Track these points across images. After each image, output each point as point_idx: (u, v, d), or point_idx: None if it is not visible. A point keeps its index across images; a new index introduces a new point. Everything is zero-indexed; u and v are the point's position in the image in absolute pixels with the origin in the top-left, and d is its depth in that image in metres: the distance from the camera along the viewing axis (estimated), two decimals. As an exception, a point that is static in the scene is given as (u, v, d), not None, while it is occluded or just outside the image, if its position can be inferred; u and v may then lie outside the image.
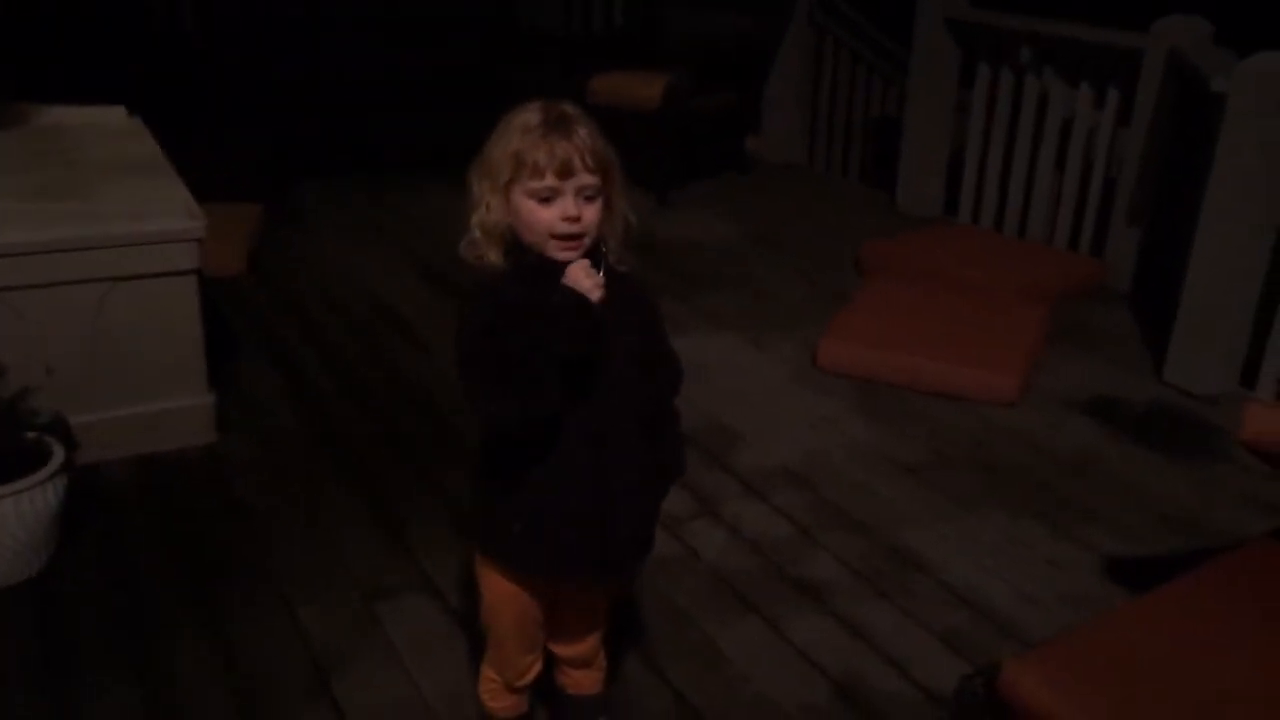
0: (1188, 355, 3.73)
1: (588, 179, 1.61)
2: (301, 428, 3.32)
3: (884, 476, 3.16)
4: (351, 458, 3.17)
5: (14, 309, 2.78)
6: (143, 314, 2.95)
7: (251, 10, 5.92)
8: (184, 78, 5.35)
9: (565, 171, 1.59)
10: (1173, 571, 2.12)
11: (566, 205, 1.60)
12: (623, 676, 2.28)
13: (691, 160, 5.80)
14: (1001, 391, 3.58)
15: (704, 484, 3.04)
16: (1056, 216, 4.92)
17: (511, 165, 1.60)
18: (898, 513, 2.98)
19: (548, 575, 1.79)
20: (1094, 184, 4.75)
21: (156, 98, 4.17)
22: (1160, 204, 4.43)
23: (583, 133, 1.61)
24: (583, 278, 1.57)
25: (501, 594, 1.82)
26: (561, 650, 1.98)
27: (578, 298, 1.56)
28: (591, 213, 1.62)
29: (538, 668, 1.95)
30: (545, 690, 2.05)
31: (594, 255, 1.64)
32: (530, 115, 1.62)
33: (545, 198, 1.60)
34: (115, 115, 3.79)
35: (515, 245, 1.65)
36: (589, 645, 1.98)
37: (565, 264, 1.61)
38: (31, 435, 2.60)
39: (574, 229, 1.61)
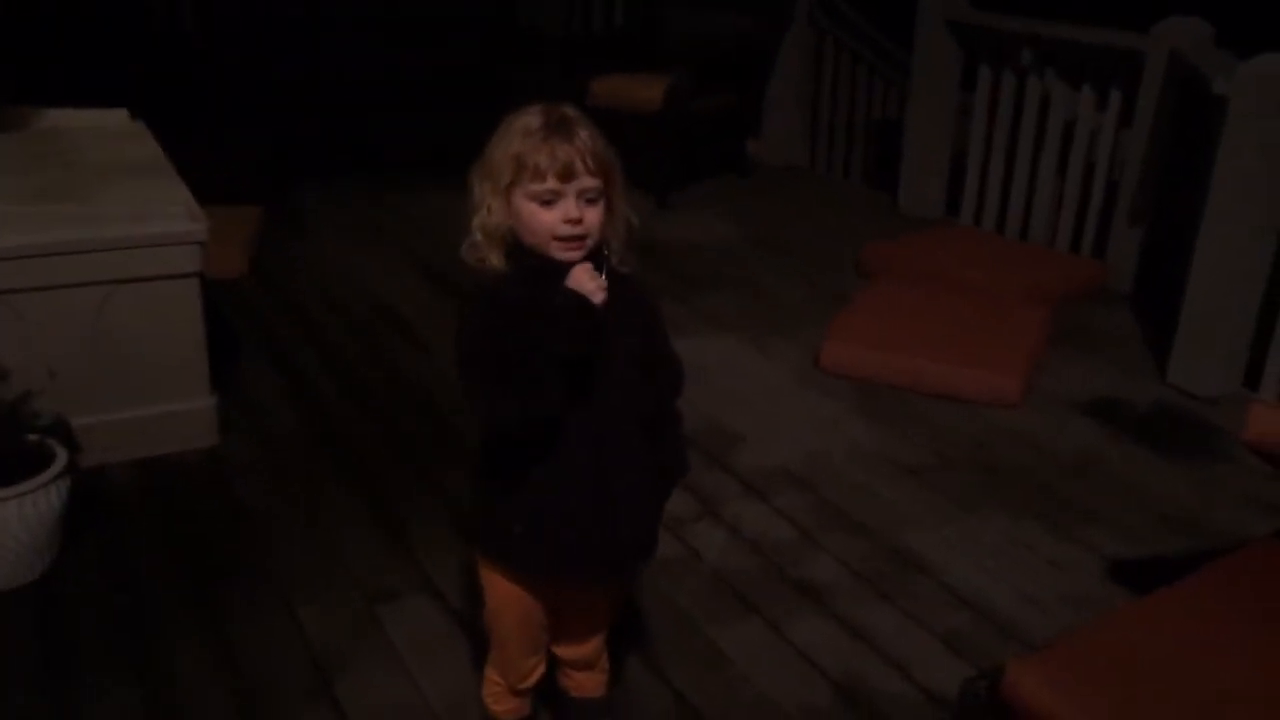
0: (1190, 356, 3.73)
1: (589, 181, 1.61)
2: (303, 429, 3.32)
3: (885, 478, 3.16)
4: (353, 459, 3.17)
5: (16, 311, 2.78)
6: (145, 317, 2.95)
7: (251, 11, 5.93)
8: (184, 78, 5.36)
9: (567, 174, 1.59)
10: (1174, 572, 2.12)
11: (568, 208, 1.60)
12: (624, 678, 2.27)
13: (692, 162, 5.80)
14: (1003, 393, 3.57)
15: (705, 485, 3.04)
16: (1058, 218, 4.91)
17: (513, 168, 1.61)
18: (899, 514, 2.98)
19: (548, 576, 1.79)
20: (1096, 186, 4.74)
21: (157, 99, 4.18)
22: (1162, 206, 4.43)
23: (584, 135, 1.61)
24: (586, 280, 1.57)
25: (504, 596, 1.82)
26: (564, 652, 1.98)
27: (580, 299, 1.56)
28: (593, 215, 1.62)
29: (541, 670, 1.95)
30: (548, 693, 2.05)
31: (596, 257, 1.65)
32: (531, 118, 1.62)
33: (547, 200, 1.60)
34: (117, 118, 3.80)
35: (516, 248, 1.65)
36: (592, 647, 1.98)
37: (567, 265, 1.61)
38: (33, 438, 2.60)
39: (576, 231, 1.61)
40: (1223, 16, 4.28)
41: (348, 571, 2.65)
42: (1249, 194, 3.53)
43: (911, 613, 2.58)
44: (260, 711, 2.21)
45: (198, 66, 5.55)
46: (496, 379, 1.57)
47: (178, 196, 3.07)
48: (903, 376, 3.67)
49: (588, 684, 2.03)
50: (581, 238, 1.62)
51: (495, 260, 1.65)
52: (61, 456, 2.57)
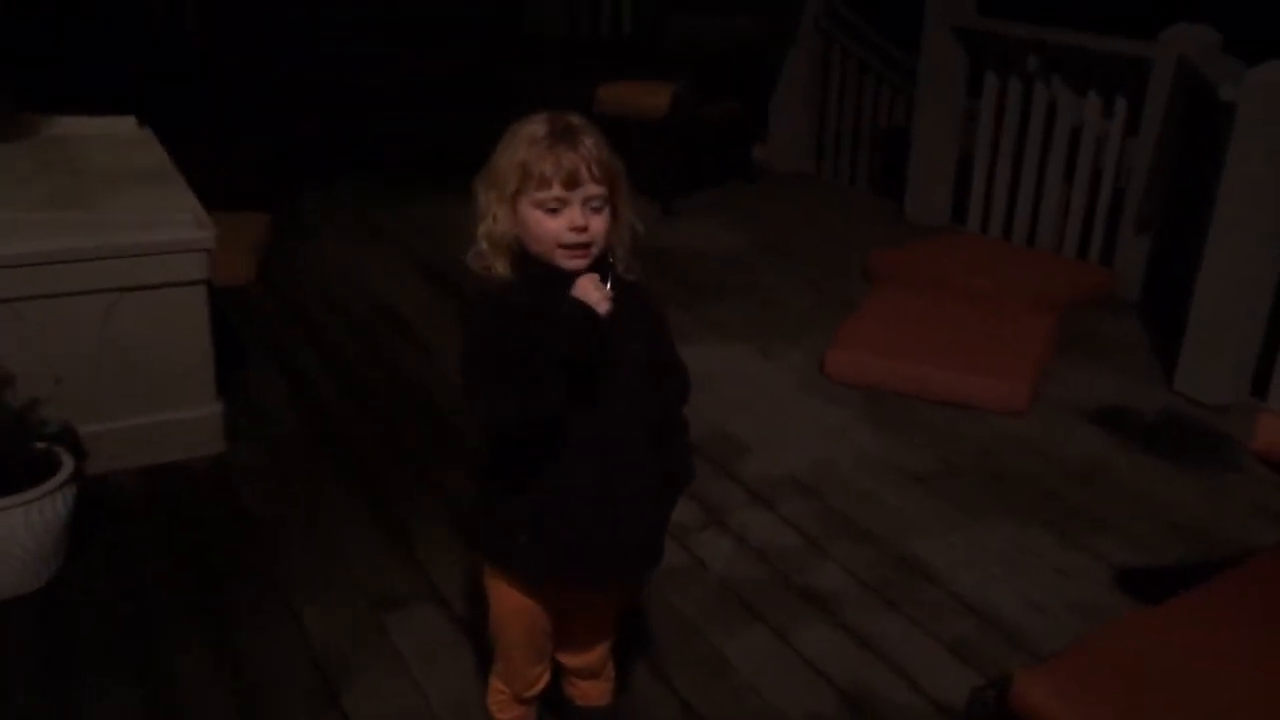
0: (1198, 364, 3.72)
1: (594, 189, 1.61)
2: (308, 435, 3.32)
3: (892, 486, 3.15)
4: (358, 465, 3.17)
5: (23, 319, 2.79)
6: (151, 324, 2.96)
7: (253, 13, 5.95)
8: (187, 82, 5.38)
9: (572, 182, 1.59)
10: (1182, 581, 2.11)
11: (573, 215, 1.60)
12: (630, 686, 2.27)
13: (698, 169, 5.81)
14: (1010, 400, 3.57)
15: (711, 493, 3.04)
16: (1065, 225, 4.91)
17: (518, 176, 1.61)
18: (906, 522, 2.97)
19: (554, 583, 1.79)
20: (1103, 193, 4.74)
21: (160, 102, 4.19)
22: (1169, 213, 4.42)
23: (589, 143, 1.61)
24: (591, 290, 1.58)
25: (510, 605, 1.82)
26: (570, 661, 1.97)
27: (585, 309, 1.56)
28: (598, 223, 1.62)
29: (546, 678, 1.95)
30: (553, 701, 2.04)
31: (601, 265, 1.65)
32: (536, 126, 1.63)
33: (552, 208, 1.60)
34: (125, 125, 3.81)
35: (522, 256, 1.65)
36: (597, 656, 1.97)
37: (572, 273, 1.61)
38: (40, 445, 2.61)
39: (581, 239, 1.61)
40: (1230, 23, 4.28)
41: (353, 578, 2.65)
42: (1257, 201, 3.52)
43: (918, 621, 2.57)
44: (264, 717, 2.21)
45: (200, 69, 5.57)
46: (497, 379, 1.57)
47: (185, 204, 3.08)
48: (909, 384, 3.66)
49: (593, 692, 2.03)
50: (587, 245, 1.62)
51: (501, 268, 1.65)
52: (68, 464, 2.57)
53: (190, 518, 2.88)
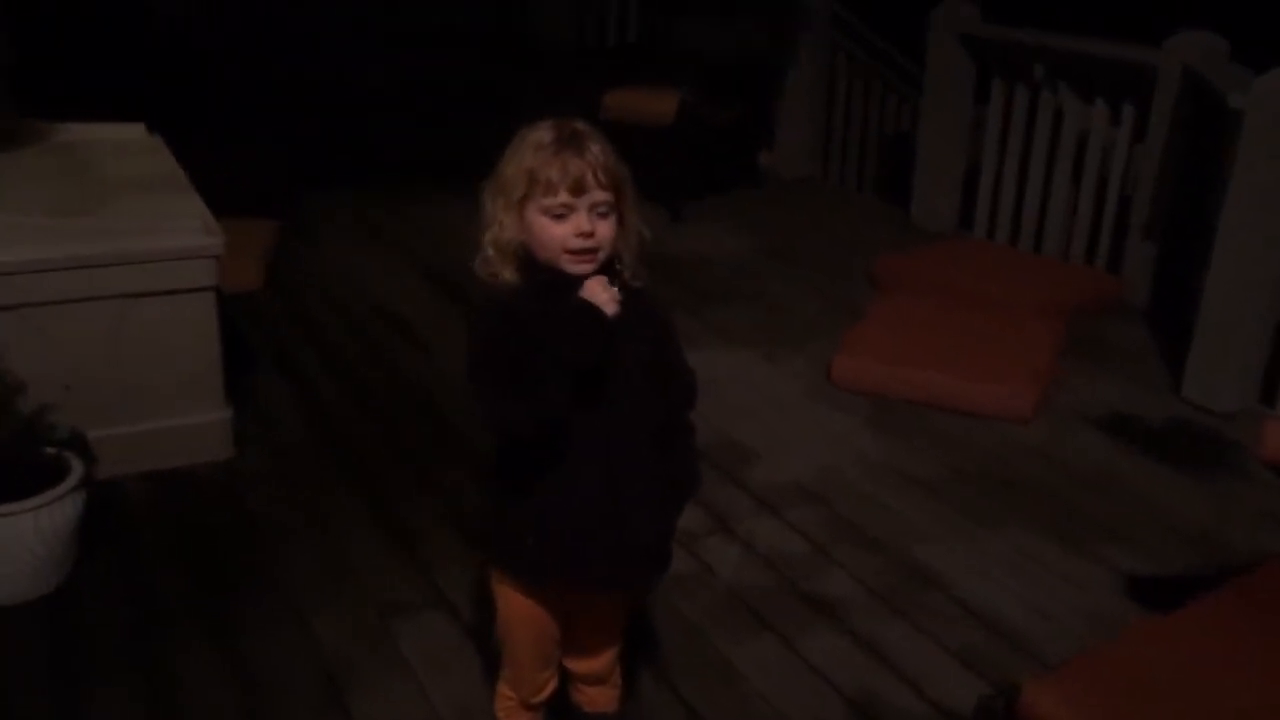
0: (1205, 371, 3.71)
1: (601, 195, 1.61)
2: (316, 442, 3.33)
3: (898, 492, 3.15)
4: (366, 472, 3.17)
5: (33, 325, 2.80)
6: (161, 330, 2.97)
7: (261, 21, 5.97)
8: (196, 90, 5.40)
9: (578, 188, 1.60)
10: (1190, 589, 2.11)
11: (580, 221, 1.61)
12: (637, 693, 2.27)
13: (705, 175, 5.81)
14: (1017, 407, 3.56)
15: (718, 500, 3.04)
16: (1072, 232, 4.90)
17: (525, 183, 1.62)
18: (912, 529, 2.97)
19: (560, 586, 1.79)
20: (1110, 199, 4.73)
21: (169, 110, 4.21)
22: (1176, 219, 4.41)
23: (595, 149, 1.62)
24: (599, 290, 1.59)
25: (516, 609, 1.83)
26: (577, 666, 1.97)
27: (592, 309, 1.57)
28: (605, 228, 1.63)
29: (553, 684, 1.95)
30: (560, 708, 2.04)
31: (608, 271, 1.65)
32: (543, 133, 1.63)
33: (559, 214, 1.61)
34: (134, 132, 3.82)
35: (529, 262, 1.65)
36: (604, 661, 1.97)
37: (579, 278, 1.62)
38: (50, 451, 2.62)
39: (587, 244, 1.62)
40: (1236, 30, 4.28)
41: (360, 583, 2.65)
42: (1264, 207, 3.52)
43: (925, 628, 2.57)
44: (273, 725, 2.22)
45: (209, 76, 5.59)
46: (503, 382, 1.58)
47: (193, 210, 3.09)
48: (916, 390, 3.66)
49: (600, 699, 2.02)
50: (593, 251, 1.63)
51: (508, 274, 1.66)
52: (77, 469, 2.58)
53: (198, 523, 2.88)
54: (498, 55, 6.35)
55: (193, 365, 3.05)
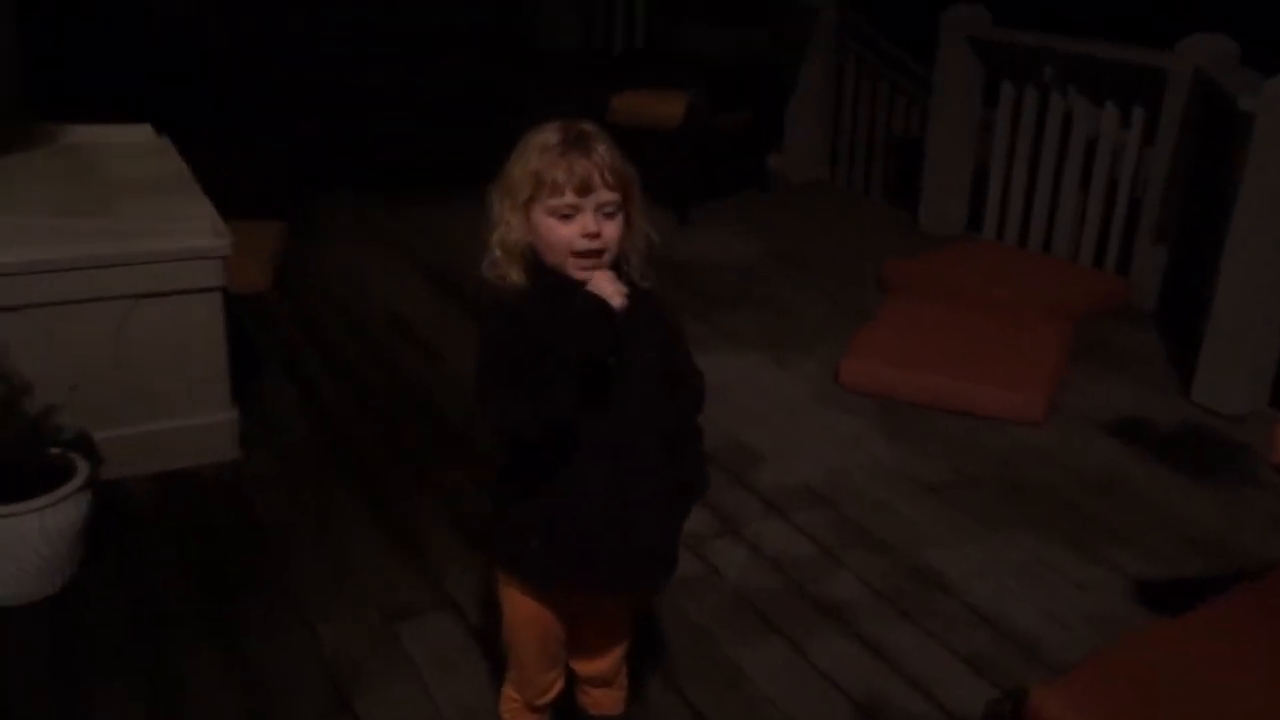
0: (1215, 374, 3.69)
1: (607, 196, 1.61)
2: (322, 445, 3.33)
3: (906, 496, 3.14)
4: (371, 474, 3.17)
5: (40, 325, 2.80)
6: (168, 331, 2.97)
7: (270, 25, 5.98)
8: (203, 91, 5.41)
9: (584, 189, 1.59)
10: (1199, 594, 2.09)
11: (586, 222, 1.60)
12: (643, 696, 2.26)
13: (712, 178, 5.81)
14: (1026, 411, 3.55)
15: (725, 503, 3.03)
16: (1081, 235, 4.89)
17: (531, 183, 1.61)
18: (920, 532, 2.96)
19: (564, 588, 1.78)
20: (1119, 202, 4.72)
21: (177, 112, 4.21)
22: (1186, 222, 4.40)
23: (601, 150, 1.62)
24: (605, 284, 1.58)
25: (522, 611, 1.82)
26: (583, 668, 1.97)
27: (599, 303, 1.56)
28: (611, 229, 1.63)
29: (559, 686, 1.94)
30: (566, 711, 2.03)
31: (615, 272, 1.65)
32: (549, 134, 1.63)
33: (565, 215, 1.61)
34: (142, 133, 3.83)
35: (536, 265, 1.65)
36: (610, 664, 1.97)
37: (585, 283, 1.61)
38: (55, 451, 2.62)
39: (594, 245, 1.61)
40: (1247, 33, 4.26)
41: (364, 586, 2.65)
42: (1275, 210, 3.50)
43: (933, 632, 2.56)
44: (278, 726, 2.21)
45: (216, 78, 5.60)
46: (509, 382, 1.58)
47: (201, 212, 3.09)
48: (924, 393, 3.65)
49: (606, 701, 2.02)
50: (599, 253, 1.62)
51: (515, 276, 1.66)
52: (83, 470, 2.58)
53: (203, 525, 2.88)
54: (503, 57, 6.35)
55: (199, 366, 3.05)
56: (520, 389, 1.57)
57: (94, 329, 2.89)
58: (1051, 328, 4.03)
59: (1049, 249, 5.02)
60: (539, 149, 1.62)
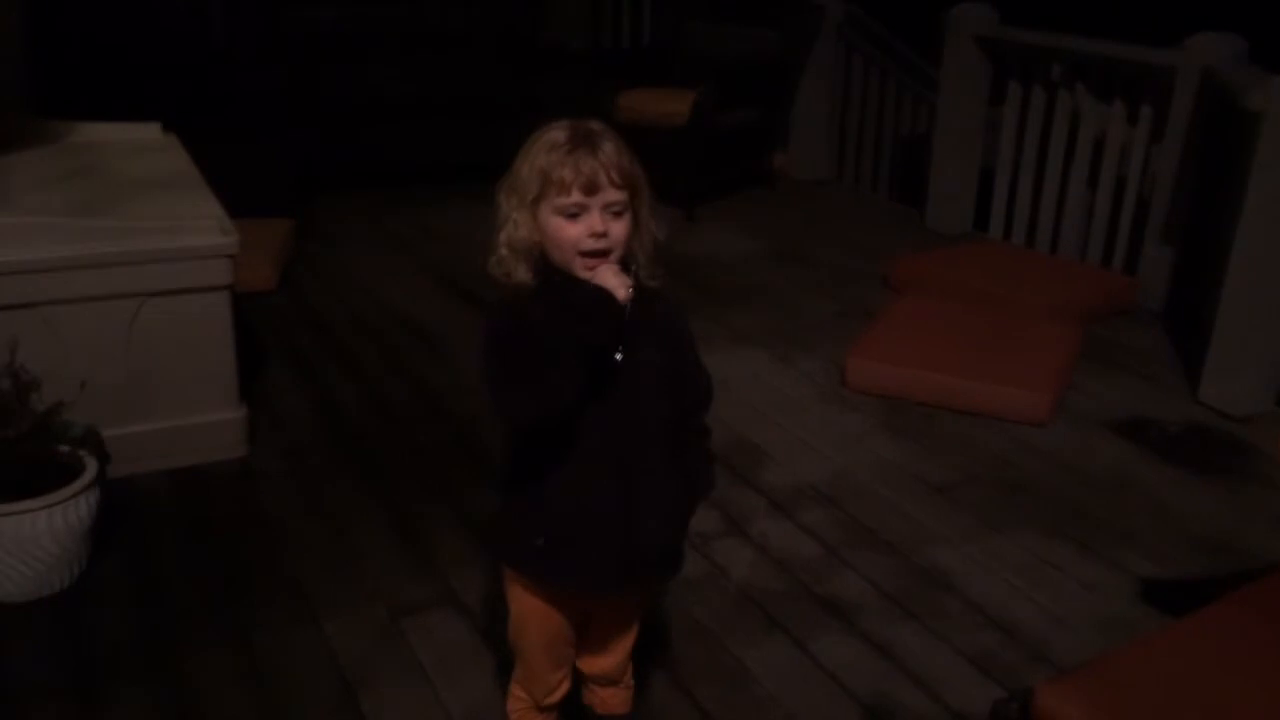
0: (1223, 375, 3.69)
1: (614, 195, 1.61)
2: (330, 442, 3.34)
3: (913, 496, 3.14)
4: (379, 472, 3.18)
5: (48, 323, 2.81)
6: (176, 329, 2.98)
7: (279, 25, 5.98)
8: (212, 90, 5.41)
9: (591, 188, 1.59)
10: (1206, 595, 2.09)
11: (593, 221, 1.61)
12: (649, 696, 2.26)
13: (718, 176, 5.81)
14: (1032, 411, 3.54)
15: (731, 502, 3.03)
16: (1088, 234, 4.88)
17: (538, 182, 1.61)
18: (927, 532, 2.96)
19: (570, 586, 1.79)
20: (1126, 201, 4.71)
21: (185, 110, 4.22)
22: (1194, 221, 4.39)
23: (609, 149, 1.62)
24: (610, 276, 1.59)
25: (529, 609, 1.82)
26: (589, 667, 1.97)
27: (603, 293, 1.57)
28: (618, 228, 1.63)
29: (566, 685, 1.95)
30: (573, 710, 2.04)
31: (623, 269, 1.65)
32: (557, 133, 1.63)
33: (572, 214, 1.61)
34: (150, 131, 3.84)
35: (543, 264, 1.65)
36: (617, 662, 1.97)
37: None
38: (65, 449, 2.62)
39: (600, 245, 1.61)
40: (1256, 31, 4.25)
41: (373, 584, 2.65)
42: (1283, 210, 3.49)
43: (939, 632, 2.56)
44: (285, 724, 2.22)
45: (225, 77, 5.61)
46: (513, 367, 1.58)
47: (209, 210, 3.10)
48: (930, 393, 3.65)
49: (613, 700, 2.02)
50: (606, 252, 1.62)
51: (521, 274, 1.66)
52: (92, 467, 2.59)
53: (212, 522, 2.89)
54: (511, 57, 6.35)
55: (207, 364, 3.06)
56: (524, 374, 1.57)
57: (103, 327, 2.89)
58: (1058, 327, 4.03)
59: (1056, 248, 5.02)
60: (546, 148, 1.62)
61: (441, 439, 3.38)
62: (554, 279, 1.65)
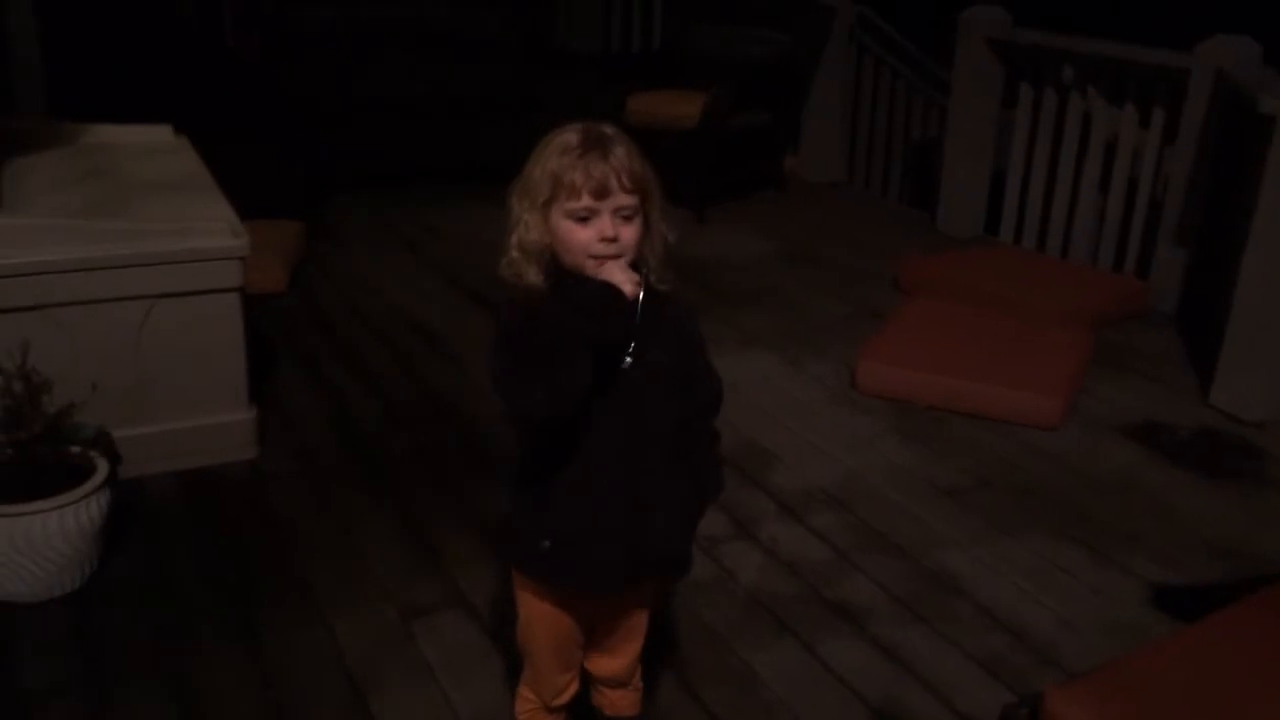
0: (1235, 379, 3.67)
1: (625, 199, 1.61)
2: (339, 443, 3.34)
3: (922, 499, 3.13)
4: (389, 474, 3.18)
5: (60, 325, 2.82)
6: (186, 330, 2.98)
7: (290, 27, 6.01)
8: (223, 92, 5.44)
9: (601, 192, 1.59)
10: (1217, 600, 2.08)
11: (603, 225, 1.61)
12: (658, 699, 2.26)
13: (729, 179, 5.81)
14: (1043, 414, 3.53)
15: (740, 505, 3.03)
16: (1100, 237, 4.86)
17: (550, 185, 1.61)
18: (936, 536, 2.95)
19: (571, 588, 1.79)
20: (1139, 204, 4.69)
21: (196, 112, 4.24)
22: (1206, 225, 4.37)
23: (620, 153, 1.62)
24: (617, 271, 1.59)
25: (538, 611, 1.83)
26: (598, 669, 1.97)
27: (610, 288, 1.57)
28: (629, 232, 1.63)
29: (574, 687, 1.95)
30: (582, 713, 2.04)
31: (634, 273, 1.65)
32: (569, 136, 1.63)
33: (582, 218, 1.61)
34: (161, 134, 3.85)
35: (554, 266, 1.65)
36: (626, 664, 1.97)
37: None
38: (75, 450, 2.63)
39: (610, 250, 1.61)
40: (1270, 35, 4.23)
41: (382, 585, 2.65)
42: (1296, 214, 3.47)
43: (949, 636, 2.55)
44: (294, 725, 2.22)
45: (236, 79, 5.63)
46: (523, 366, 1.58)
47: (220, 212, 3.11)
48: (940, 396, 3.64)
49: (621, 702, 2.02)
50: (616, 257, 1.62)
51: (532, 276, 1.66)
52: (102, 468, 2.60)
53: (222, 523, 2.90)
54: (522, 59, 6.36)
55: (218, 365, 3.07)
56: (532, 372, 1.57)
57: (114, 328, 2.90)
58: (1070, 331, 4.01)
59: (1067, 251, 5.00)
60: (558, 151, 1.62)
61: (451, 440, 3.38)
62: (565, 281, 1.65)
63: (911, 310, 4.21)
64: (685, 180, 5.30)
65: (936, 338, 3.93)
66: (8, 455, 2.50)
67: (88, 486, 2.52)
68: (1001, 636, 2.55)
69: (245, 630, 2.48)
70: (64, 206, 3.06)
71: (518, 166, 1.68)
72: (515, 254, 1.66)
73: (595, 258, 1.62)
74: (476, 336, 3.98)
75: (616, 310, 1.58)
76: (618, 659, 1.95)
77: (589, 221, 1.61)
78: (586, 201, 1.60)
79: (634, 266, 1.65)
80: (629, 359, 1.66)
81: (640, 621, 1.94)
